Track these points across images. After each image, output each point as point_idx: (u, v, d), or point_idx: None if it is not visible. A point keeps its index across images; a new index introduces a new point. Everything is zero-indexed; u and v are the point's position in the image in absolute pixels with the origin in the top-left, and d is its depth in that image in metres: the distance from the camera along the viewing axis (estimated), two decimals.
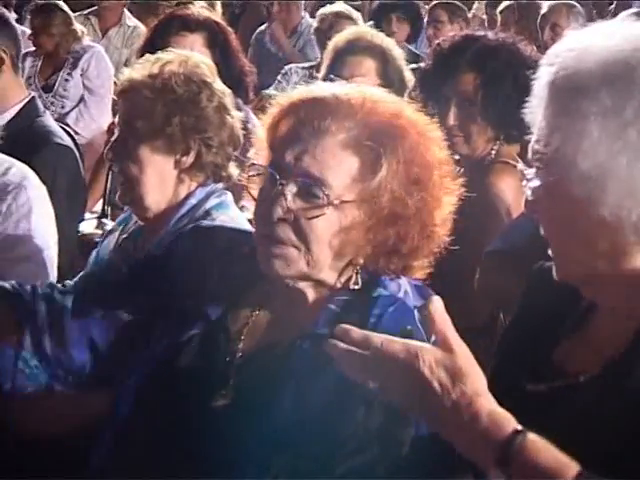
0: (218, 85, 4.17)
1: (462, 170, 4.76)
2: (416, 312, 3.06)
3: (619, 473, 2.33)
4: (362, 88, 3.29)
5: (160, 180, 4.06)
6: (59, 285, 3.99)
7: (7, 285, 3.75)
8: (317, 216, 2.99)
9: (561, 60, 2.57)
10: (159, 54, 4.28)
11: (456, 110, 4.92)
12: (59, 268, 4.67)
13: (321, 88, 3.25)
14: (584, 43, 2.57)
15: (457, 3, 10.40)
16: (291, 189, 3.00)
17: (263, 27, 11.12)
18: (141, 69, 4.16)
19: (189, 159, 4.00)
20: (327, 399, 2.94)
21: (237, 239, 3.46)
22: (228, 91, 4.20)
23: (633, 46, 2.51)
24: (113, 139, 4.15)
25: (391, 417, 2.90)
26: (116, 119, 4.17)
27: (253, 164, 3.22)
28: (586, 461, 2.35)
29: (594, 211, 2.47)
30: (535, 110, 2.62)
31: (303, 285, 3.13)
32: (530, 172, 2.62)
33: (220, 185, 4.18)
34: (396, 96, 4.72)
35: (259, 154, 3.25)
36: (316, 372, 2.95)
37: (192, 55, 4.40)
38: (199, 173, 4.10)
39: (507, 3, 9.12)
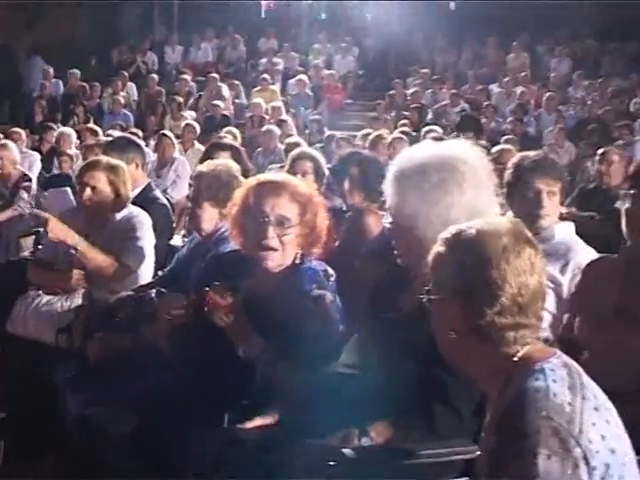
0: (240, 176, 4.02)
1: (351, 213, 4.95)
2: (321, 272, 3.11)
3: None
4: (286, 175, 3.41)
5: (210, 218, 3.96)
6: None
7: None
8: (288, 234, 3.06)
9: (398, 162, 2.70)
10: (211, 162, 4.25)
11: (349, 185, 4.85)
12: (157, 261, 4.67)
13: (269, 175, 3.38)
14: (409, 154, 2.73)
15: (347, 137, 10.24)
16: (274, 222, 3.04)
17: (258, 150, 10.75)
18: (204, 167, 4.11)
19: (226, 210, 3.70)
20: (286, 312, 2.97)
21: (235, 255, 3.41)
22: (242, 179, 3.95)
23: (429, 154, 2.64)
24: (190, 199, 4.11)
25: (321, 316, 3.01)
26: (191, 191, 4.13)
27: (245, 214, 3.15)
28: (408, 360, 2.49)
29: (414, 233, 2.57)
30: (387, 186, 2.70)
31: (275, 268, 3.11)
32: (388, 216, 2.74)
33: None
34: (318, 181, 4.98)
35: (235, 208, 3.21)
36: (279, 305, 3.02)
37: (227, 162, 4.30)
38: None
39: (373, 135, 9.14)
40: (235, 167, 4.17)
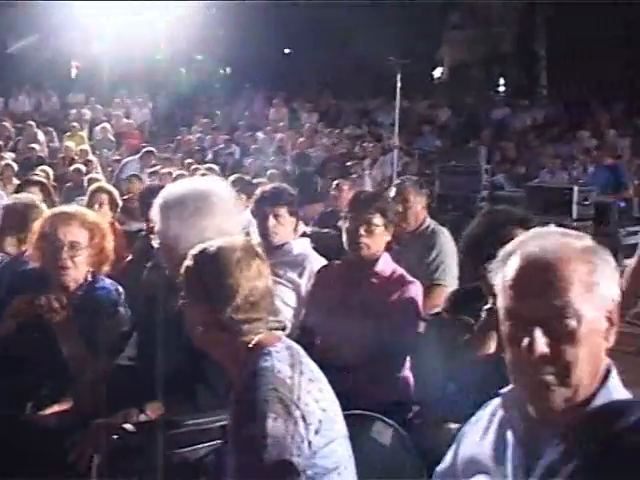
0: (42, 207, 3.82)
1: (143, 232, 4.71)
2: (114, 291, 2.98)
3: None
4: (77, 207, 3.21)
5: (15, 243, 3.77)
6: None
7: None
8: (79, 255, 2.90)
9: (163, 195, 2.62)
10: (15, 195, 4.11)
11: None
12: None
13: (63, 207, 3.14)
14: (171, 188, 2.66)
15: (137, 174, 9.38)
16: (67, 246, 2.86)
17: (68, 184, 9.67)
18: (10, 200, 3.96)
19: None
20: (88, 324, 2.83)
21: (36, 272, 3.06)
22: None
23: (186, 188, 2.59)
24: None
25: (116, 326, 2.90)
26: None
27: (43, 240, 2.92)
28: None
29: (176, 251, 2.43)
30: (154, 214, 2.63)
31: (70, 283, 2.92)
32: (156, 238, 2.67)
33: None
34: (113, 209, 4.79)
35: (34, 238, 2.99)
36: (81, 318, 2.85)
37: (29, 196, 4.13)
38: None
39: (162, 172, 8.59)
40: (36, 199, 4.00)
